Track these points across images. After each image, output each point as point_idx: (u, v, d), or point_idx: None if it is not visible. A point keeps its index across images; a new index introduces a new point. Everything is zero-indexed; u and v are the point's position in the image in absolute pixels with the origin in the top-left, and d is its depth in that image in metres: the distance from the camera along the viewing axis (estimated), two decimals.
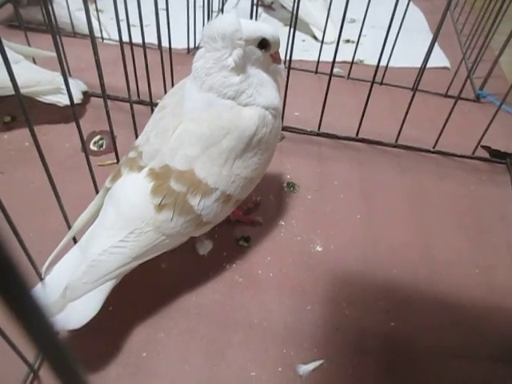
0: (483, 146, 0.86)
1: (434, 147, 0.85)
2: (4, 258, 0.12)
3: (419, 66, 0.94)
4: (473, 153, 0.85)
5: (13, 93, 0.40)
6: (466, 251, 0.68)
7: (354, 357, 0.54)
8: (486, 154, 0.86)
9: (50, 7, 0.47)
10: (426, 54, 0.81)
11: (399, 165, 0.82)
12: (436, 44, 0.77)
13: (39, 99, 0.80)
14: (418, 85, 0.84)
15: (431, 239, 0.69)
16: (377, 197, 0.75)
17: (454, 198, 0.77)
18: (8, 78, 0.39)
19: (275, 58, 0.55)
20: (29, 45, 0.86)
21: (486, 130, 0.80)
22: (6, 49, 0.38)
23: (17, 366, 0.46)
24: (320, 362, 0.52)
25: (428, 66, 0.82)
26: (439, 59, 1.16)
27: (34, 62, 0.86)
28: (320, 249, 0.65)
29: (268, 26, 0.53)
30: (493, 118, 0.78)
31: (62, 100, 0.80)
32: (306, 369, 0.52)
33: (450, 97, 0.98)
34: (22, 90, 0.42)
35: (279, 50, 0.55)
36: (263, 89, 0.53)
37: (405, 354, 0.55)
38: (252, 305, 0.58)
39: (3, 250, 0.12)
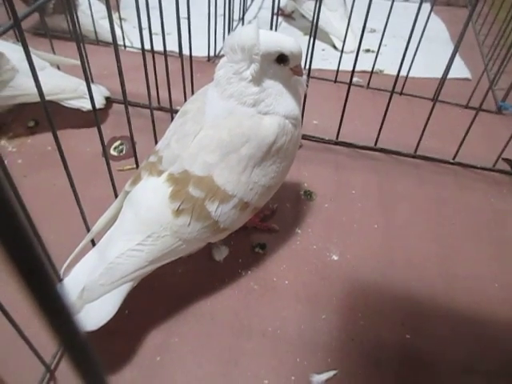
0: (504, 159, 0.84)
1: (453, 158, 0.84)
2: (32, 255, 0.13)
3: (439, 76, 0.93)
4: (493, 165, 0.84)
5: (38, 100, 0.40)
6: (485, 265, 0.66)
7: (368, 368, 0.53)
8: (507, 167, 0.85)
9: (74, 16, 0.48)
10: (447, 65, 0.81)
11: (418, 175, 0.82)
12: (457, 55, 0.77)
13: (63, 104, 0.82)
14: (438, 95, 0.83)
15: (450, 252, 0.68)
16: (395, 207, 0.74)
17: (474, 210, 0.75)
18: (34, 85, 0.39)
19: (296, 72, 0.53)
20: (54, 52, 0.88)
21: (508, 142, 0.79)
22: (33, 56, 0.39)
23: (34, 366, 0.47)
24: (334, 372, 0.52)
25: (449, 76, 0.81)
26: (460, 70, 1.15)
27: (59, 68, 0.88)
28: (336, 258, 0.65)
29: (289, 39, 0.51)
30: None
31: (86, 105, 0.82)
32: (319, 378, 0.51)
33: (471, 108, 0.97)
34: (47, 97, 0.43)
35: None
36: (282, 99, 0.53)
37: (420, 367, 0.54)
38: (266, 312, 0.58)
39: (32, 248, 0.13)
